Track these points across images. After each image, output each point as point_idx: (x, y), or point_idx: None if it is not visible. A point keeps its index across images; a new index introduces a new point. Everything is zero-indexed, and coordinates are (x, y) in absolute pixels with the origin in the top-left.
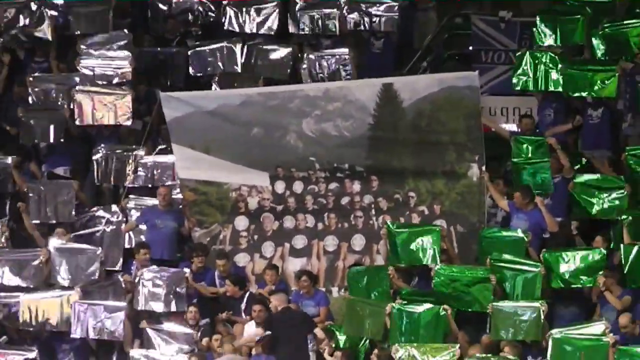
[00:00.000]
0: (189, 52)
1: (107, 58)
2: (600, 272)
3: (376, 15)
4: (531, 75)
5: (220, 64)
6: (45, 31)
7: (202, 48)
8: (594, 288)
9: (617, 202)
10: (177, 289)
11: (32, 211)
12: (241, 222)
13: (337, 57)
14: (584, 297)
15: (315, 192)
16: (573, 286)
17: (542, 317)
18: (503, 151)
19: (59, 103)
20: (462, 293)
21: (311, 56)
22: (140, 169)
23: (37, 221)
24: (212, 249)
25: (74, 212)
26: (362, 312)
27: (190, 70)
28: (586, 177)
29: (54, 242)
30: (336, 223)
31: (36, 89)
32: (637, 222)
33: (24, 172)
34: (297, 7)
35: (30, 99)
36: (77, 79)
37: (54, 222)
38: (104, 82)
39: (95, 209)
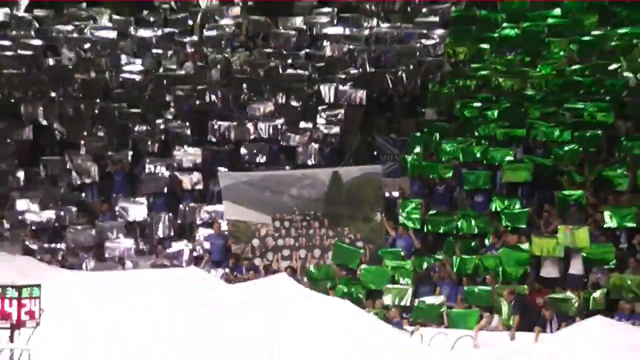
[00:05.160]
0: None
1: (187, 153)
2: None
3: (328, 135)
4: (406, 167)
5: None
6: (155, 148)
7: None
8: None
9: (452, 224)
10: (221, 276)
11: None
12: (256, 242)
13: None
14: (433, 281)
15: (296, 227)
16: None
17: (410, 292)
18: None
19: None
20: (375, 280)
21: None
22: (204, 213)
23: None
24: (242, 256)
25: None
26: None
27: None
28: (433, 211)
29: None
30: (306, 243)
31: (150, 165)
32: (464, 243)
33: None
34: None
35: (146, 170)
36: (174, 163)
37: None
38: (187, 166)
39: (180, 242)
